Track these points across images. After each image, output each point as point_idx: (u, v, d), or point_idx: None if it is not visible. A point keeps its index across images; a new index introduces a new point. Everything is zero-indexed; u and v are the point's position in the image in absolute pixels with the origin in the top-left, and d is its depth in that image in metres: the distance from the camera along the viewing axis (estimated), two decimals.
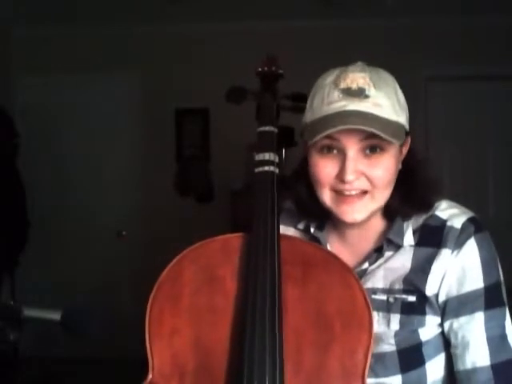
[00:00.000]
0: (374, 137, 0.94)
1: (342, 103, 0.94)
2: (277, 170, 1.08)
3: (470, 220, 1.00)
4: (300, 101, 1.31)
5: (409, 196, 1.02)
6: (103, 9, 3.95)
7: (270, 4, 3.85)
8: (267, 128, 1.13)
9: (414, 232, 1.03)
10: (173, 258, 1.01)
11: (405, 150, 1.03)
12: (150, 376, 0.91)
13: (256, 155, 1.11)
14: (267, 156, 1.08)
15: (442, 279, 0.98)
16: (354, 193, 0.97)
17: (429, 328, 0.99)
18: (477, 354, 0.96)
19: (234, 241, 1.02)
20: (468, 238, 0.98)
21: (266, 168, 1.07)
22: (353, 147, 0.95)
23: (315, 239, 1.10)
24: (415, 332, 0.99)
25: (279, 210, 1.05)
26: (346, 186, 0.96)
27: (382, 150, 0.96)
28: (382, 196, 0.99)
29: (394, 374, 1.00)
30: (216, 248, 1.02)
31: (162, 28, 4.22)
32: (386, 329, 0.99)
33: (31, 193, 3.80)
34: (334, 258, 1.00)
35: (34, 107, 4.31)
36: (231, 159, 4.10)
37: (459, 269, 0.98)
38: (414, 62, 4.00)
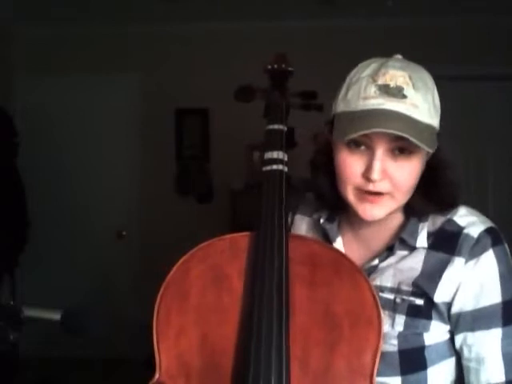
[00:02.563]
0: (405, 139, 0.91)
1: (379, 101, 0.92)
2: (286, 169, 1.07)
3: (487, 230, 0.98)
4: (310, 98, 1.30)
5: (429, 195, 1.00)
6: (103, 9, 3.94)
7: (270, 4, 3.85)
8: (276, 126, 1.13)
9: (429, 235, 1.01)
10: (178, 257, 1.01)
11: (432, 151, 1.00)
12: (157, 375, 0.92)
13: (264, 153, 1.10)
14: (275, 154, 1.08)
15: (457, 290, 0.96)
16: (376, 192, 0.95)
17: (434, 333, 0.98)
18: (491, 370, 0.95)
19: (242, 240, 1.01)
20: (484, 249, 0.96)
21: (275, 167, 1.07)
22: (382, 146, 0.93)
23: (323, 230, 1.09)
24: (420, 335, 0.98)
25: (287, 208, 1.04)
26: (370, 186, 0.94)
27: (411, 152, 0.94)
28: (403, 198, 0.97)
29: (393, 374, 0.98)
30: (224, 247, 1.01)
31: (162, 28, 4.22)
32: (389, 329, 0.98)
33: (31, 193, 3.80)
34: (343, 257, 0.99)
35: (34, 107, 4.31)
36: (231, 159, 4.10)
37: (476, 282, 0.96)
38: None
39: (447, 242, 0.99)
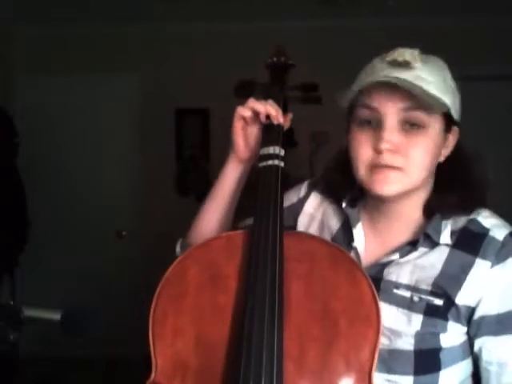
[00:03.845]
0: (414, 109, 0.92)
1: (386, 72, 0.94)
2: (282, 164, 1.06)
3: (511, 234, 0.97)
4: (311, 91, 1.29)
5: (453, 190, 1.00)
6: (103, 9, 3.94)
7: (269, 4, 3.85)
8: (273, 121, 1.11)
9: (452, 233, 0.99)
10: (175, 257, 1.00)
11: (452, 140, 1.01)
12: (152, 375, 0.91)
13: (261, 149, 1.09)
14: (271, 150, 1.07)
15: (482, 296, 0.95)
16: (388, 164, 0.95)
17: (450, 335, 0.96)
18: None
19: (238, 238, 1.00)
20: (510, 254, 0.95)
21: (270, 162, 1.06)
22: (391, 117, 0.94)
23: (344, 214, 1.09)
24: (436, 336, 0.96)
25: (282, 205, 1.03)
26: (381, 158, 0.94)
27: (422, 127, 0.94)
28: (417, 176, 0.96)
29: (406, 373, 0.97)
30: (220, 246, 1.01)
31: (162, 28, 4.22)
32: (406, 327, 0.96)
33: (31, 193, 3.80)
34: (341, 252, 0.98)
35: (33, 107, 4.30)
36: None
37: (502, 286, 0.95)
38: None
39: (471, 242, 0.97)
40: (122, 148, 4.36)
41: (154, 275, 1.08)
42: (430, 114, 0.94)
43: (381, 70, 0.94)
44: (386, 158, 0.94)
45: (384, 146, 0.93)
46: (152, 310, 0.95)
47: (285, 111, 1.15)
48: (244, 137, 1.14)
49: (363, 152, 0.97)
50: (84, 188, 4.34)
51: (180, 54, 4.26)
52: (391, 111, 0.93)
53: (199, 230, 1.18)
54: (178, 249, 1.19)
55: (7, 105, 3.83)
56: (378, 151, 0.94)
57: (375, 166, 0.95)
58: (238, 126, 1.13)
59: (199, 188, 4.35)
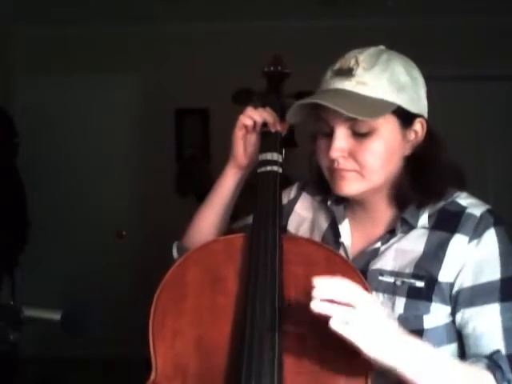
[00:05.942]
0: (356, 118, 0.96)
1: (329, 83, 0.99)
2: (280, 170, 1.09)
3: (489, 211, 1.01)
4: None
5: (418, 183, 1.02)
6: (103, 9, 3.95)
7: (270, 4, 3.85)
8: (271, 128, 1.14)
9: (430, 216, 1.03)
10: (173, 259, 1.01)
11: (419, 131, 1.03)
12: (153, 376, 0.92)
13: (259, 155, 1.12)
14: (270, 156, 1.10)
15: (460, 269, 0.98)
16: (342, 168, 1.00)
17: (434, 316, 0.98)
18: (492, 345, 0.96)
19: (237, 241, 1.02)
20: (487, 228, 0.98)
21: (269, 168, 1.08)
22: (340, 126, 0.98)
23: (331, 212, 1.12)
24: (420, 318, 0.98)
25: (281, 209, 1.05)
26: (335, 164, 0.99)
27: (371, 132, 0.97)
28: (374, 177, 1.00)
29: None
30: (219, 249, 1.02)
31: (162, 28, 4.22)
32: (389, 311, 0.98)
33: (31, 193, 3.80)
34: (337, 256, 1.00)
35: (33, 107, 4.31)
36: None
37: (477, 259, 0.98)
38: (413, 62, 3.99)
39: (449, 221, 1.01)
40: (122, 148, 4.36)
41: (154, 275, 1.08)
42: (375, 119, 0.97)
43: (326, 82, 1.00)
44: (339, 163, 0.99)
45: (334, 154, 0.98)
46: (152, 312, 0.95)
47: (282, 118, 1.17)
48: (244, 145, 1.18)
49: (324, 159, 1.03)
50: (84, 188, 4.34)
51: (180, 53, 4.26)
52: (338, 121, 0.98)
53: (196, 233, 1.21)
54: (174, 252, 1.21)
55: (7, 105, 3.83)
56: (330, 159, 0.99)
57: (333, 171, 1.01)
58: (239, 134, 1.17)
59: (199, 188, 4.35)
